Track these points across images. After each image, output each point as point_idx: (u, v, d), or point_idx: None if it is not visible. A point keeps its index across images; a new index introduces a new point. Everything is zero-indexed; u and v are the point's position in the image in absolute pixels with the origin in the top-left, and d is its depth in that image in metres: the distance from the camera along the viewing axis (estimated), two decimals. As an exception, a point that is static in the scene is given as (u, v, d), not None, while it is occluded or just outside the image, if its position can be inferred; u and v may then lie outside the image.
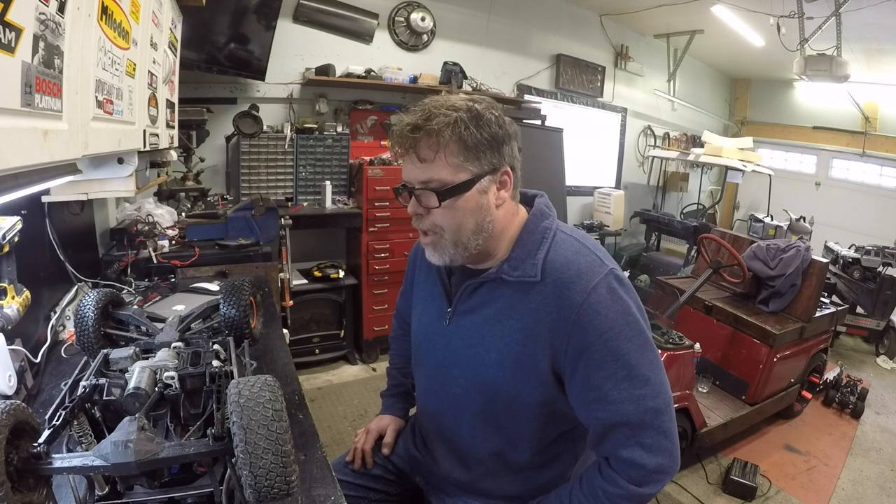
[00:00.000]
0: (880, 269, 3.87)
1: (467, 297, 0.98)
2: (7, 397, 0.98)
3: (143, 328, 1.06)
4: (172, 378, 0.81)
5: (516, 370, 0.91)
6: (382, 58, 3.62)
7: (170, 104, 1.76)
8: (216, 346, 0.94)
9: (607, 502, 0.88)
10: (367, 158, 3.27)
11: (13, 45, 0.55)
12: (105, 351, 0.90)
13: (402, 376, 1.32)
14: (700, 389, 2.69)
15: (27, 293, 1.11)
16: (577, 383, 0.88)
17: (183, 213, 2.34)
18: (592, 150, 5.29)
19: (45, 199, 1.32)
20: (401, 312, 1.31)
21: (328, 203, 3.28)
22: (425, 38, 3.83)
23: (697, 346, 2.27)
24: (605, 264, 0.90)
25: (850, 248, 4.22)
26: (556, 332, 0.87)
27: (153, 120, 1.43)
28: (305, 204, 3.30)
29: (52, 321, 1.35)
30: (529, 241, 0.93)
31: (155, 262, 1.88)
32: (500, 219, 0.92)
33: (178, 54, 1.89)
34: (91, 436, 0.78)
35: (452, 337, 1.00)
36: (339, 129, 3.45)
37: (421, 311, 1.12)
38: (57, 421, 0.70)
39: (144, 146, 1.29)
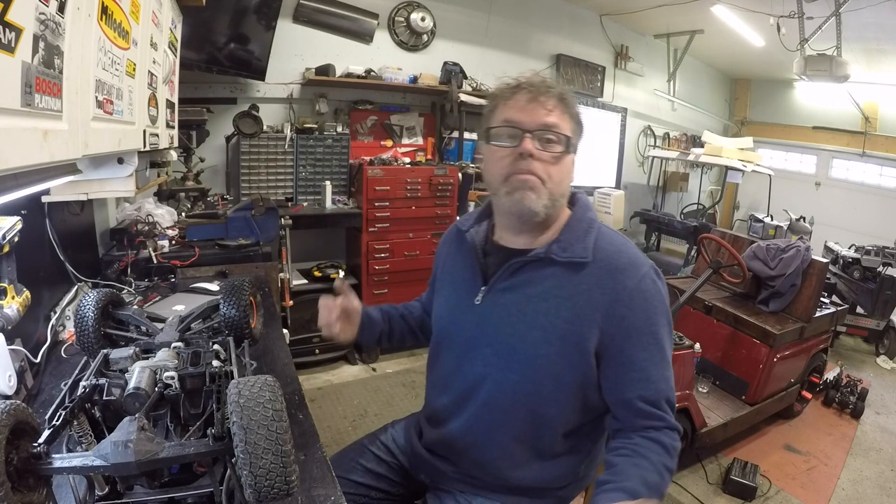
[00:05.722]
0: (880, 269, 3.87)
1: (509, 275, 0.99)
2: (7, 397, 0.98)
3: (143, 328, 1.06)
4: (172, 378, 0.81)
5: (561, 348, 0.94)
6: (382, 58, 3.62)
7: (170, 104, 1.76)
8: (216, 346, 0.94)
9: (667, 456, 0.89)
10: (367, 158, 3.27)
11: (13, 45, 0.55)
12: (105, 351, 0.90)
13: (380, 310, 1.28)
14: (700, 389, 2.69)
15: (27, 293, 1.11)
16: (622, 363, 0.93)
17: (183, 213, 2.34)
18: (592, 150, 5.30)
19: (45, 199, 1.32)
20: (421, 300, 1.33)
21: (328, 203, 3.28)
22: (425, 38, 3.83)
23: (697, 346, 2.27)
24: (647, 259, 0.98)
25: (850, 248, 4.22)
26: (608, 312, 0.92)
27: (153, 120, 1.43)
28: (305, 204, 3.30)
29: (52, 321, 1.35)
30: (578, 228, 0.99)
31: (155, 262, 1.88)
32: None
33: (178, 54, 1.89)
34: (91, 436, 0.78)
35: (486, 315, 1.01)
36: (339, 129, 3.45)
37: (447, 295, 1.12)
38: (57, 421, 0.70)
39: (144, 146, 1.29)
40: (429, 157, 3.80)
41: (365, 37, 3.61)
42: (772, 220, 5.26)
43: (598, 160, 5.45)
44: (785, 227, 5.10)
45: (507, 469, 1.03)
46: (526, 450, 1.01)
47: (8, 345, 1.03)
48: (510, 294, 0.99)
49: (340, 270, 3.19)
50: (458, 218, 3.42)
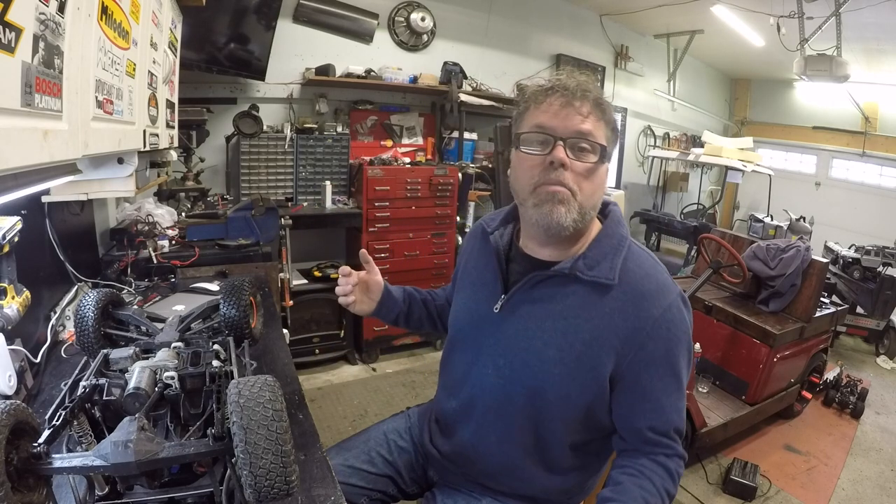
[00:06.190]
0: (880, 269, 3.87)
1: (529, 287, 0.96)
2: (7, 397, 0.98)
3: (143, 328, 1.06)
4: (172, 378, 0.81)
5: (574, 370, 0.91)
6: (382, 58, 3.62)
7: (170, 104, 1.76)
8: (216, 346, 0.94)
9: (670, 481, 0.89)
10: (367, 158, 3.27)
11: (13, 45, 0.55)
12: (105, 351, 0.90)
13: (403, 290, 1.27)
14: (700, 389, 2.69)
15: (27, 293, 1.11)
16: (637, 392, 0.91)
17: (183, 213, 2.34)
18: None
19: (45, 199, 1.32)
20: (445, 290, 1.30)
21: (328, 203, 3.28)
22: (425, 38, 3.83)
23: (697, 346, 2.27)
24: (676, 285, 0.94)
25: (850, 248, 4.22)
26: (628, 340, 0.88)
27: (153, 120, 1.43)
28: (305, 204, 3.30)
29: (52, 321, 1.35)
30: (607, 244, 0.94)
31: (155, 262, 1.88)
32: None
33: (178, 54, 1.89)
34: (91, 436, 0.78)
35: (504, 325, 0.98)
36: (339, 129, 3.45)
37: (467, 297, 1.09)
38: (57, 421, 0.70)
39: (144, 146, 1.29)
40: (429, 157, 3.80)
41: (365, 37, 3.61)
42: (772, 220, 5.27)
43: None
44: (785, 227, 5.10)
45: (516, 480, 1.03)
46: (535, 463, 1.01)
47: (8, 345, 1.03)
48: (529, 307, 0.96)
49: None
50: (457, 218, 3.46)
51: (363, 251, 1.18)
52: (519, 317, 0.97)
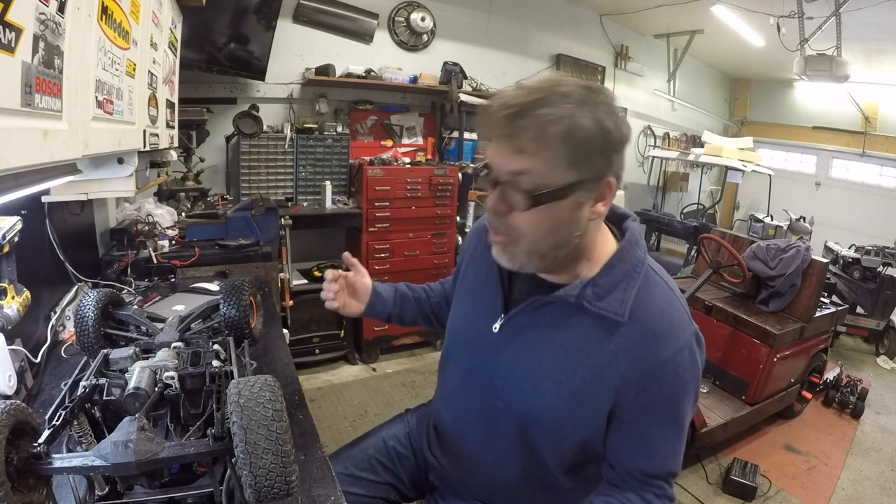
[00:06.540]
0: (880, 269, 3.87)
1: (531, 310, 0.89)
2: (7, 397, 0.98)
3: (143, 328, 1.06)
4: (172, 378, 0.81)
5: (571, 406, 0.85)
6: (382, 58, 3.63)
7: (170, 104, 1.76)
8: (216, 346, 0.94)
9: None
10: (367, 158, 3.27)
11: (13, 45, 0.55)
12: (105, 351, 0.90)
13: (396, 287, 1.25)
14: (700, 389, 2.68)
15: (27, 293, 1.11)
16: (633, 433, 0.85)
17: (183, 213, 2.34)
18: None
19: (45, 199, 1.32)
20: (444, 285, 1.27)
21: (328, 203, 3.28)
22: (425, 38, 3.83)
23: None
24: (692, 323, 0.86)
25: (850, 248, 4.22)
26: (629, 380, 0.81)
27: (153, 120, 1.43)
28: (305, 204, 3.30)
29: (52, 321, 1.35)
30: (620, 270, 0.84)
31: (155, 262, 1.88)
32: (589, 233, 0.81)
33: (178, 54, 1.89)
34: (91, 436, 0.78)
35: (503, 346, 0.92)
36: (339, 129, 3.45)
37: (465, 307, 1.03)
38: (57, 421, 0.70)
39: (144, 146, 1.29)
40: (429, 157, 3.80)
41: (365, 37, 3.61)
42: (772, 220, 5.27)
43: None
44: (785, 227, 5.10)
45: (514, 499, 1.03)
46: (534, 485, 1.00)
47: (8, 345, 1.03)
48: (530, 332, 0.89)
49: (340, 270, 3.19)
50: (457, 218, 3.46)
51: (346, 253, 1.17)
52: (518, 342, 0.91)
